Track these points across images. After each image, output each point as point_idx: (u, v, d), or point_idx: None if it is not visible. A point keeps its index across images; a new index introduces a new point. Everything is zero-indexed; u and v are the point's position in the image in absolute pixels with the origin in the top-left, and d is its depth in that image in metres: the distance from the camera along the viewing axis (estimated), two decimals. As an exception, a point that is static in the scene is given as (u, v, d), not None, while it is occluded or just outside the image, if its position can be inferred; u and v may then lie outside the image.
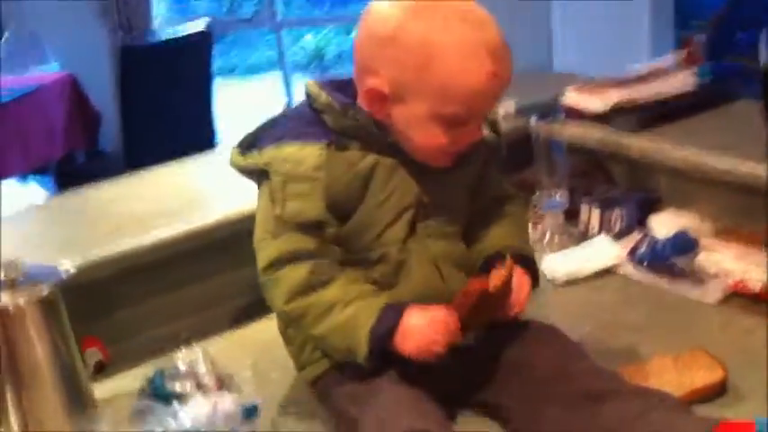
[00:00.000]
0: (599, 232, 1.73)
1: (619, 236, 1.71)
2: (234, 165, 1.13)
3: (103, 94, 3.71)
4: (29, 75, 3.71)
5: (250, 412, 1.08)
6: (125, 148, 3.58)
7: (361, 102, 1.07)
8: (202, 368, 1.22)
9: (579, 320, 1.46)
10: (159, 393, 1.23)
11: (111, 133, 3.72)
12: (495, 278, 1.07)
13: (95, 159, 3.84)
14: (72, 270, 1.30)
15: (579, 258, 1.65)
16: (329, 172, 1.07)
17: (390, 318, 1.05)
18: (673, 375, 1.19)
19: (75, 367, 1.27)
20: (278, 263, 1.08)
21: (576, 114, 1.85)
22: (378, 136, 1.08)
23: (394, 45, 1.01)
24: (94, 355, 1.48)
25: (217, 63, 3.94)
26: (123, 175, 1.94)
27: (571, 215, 1.79)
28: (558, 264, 1.64)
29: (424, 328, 1.04)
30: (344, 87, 1.10)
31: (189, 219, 1.59)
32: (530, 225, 1.79)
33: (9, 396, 1.21)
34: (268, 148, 1.09)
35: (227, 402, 1.06)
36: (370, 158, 1.09)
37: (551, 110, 1.68)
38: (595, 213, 1.73)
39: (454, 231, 1.17)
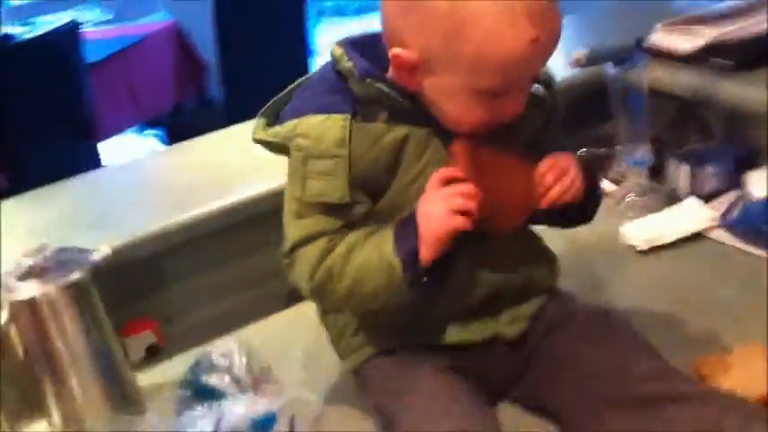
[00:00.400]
0: (688, 193, 1.54)
1: (711, 196, 1.52)
2: (256, 139, 1.02)
3: (205, 44, 3.60)
4: (134, 24, 3.67)
5: (264, 424, 0.99)
6: (227, 98, 3.49)
7: (391, 70, 0.95)
8: (237, 361, 1.15)
9: (660, 294, 1.32)
10: (197, 387, 1.16)
11: (216, 83, 3.62)
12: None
13: (204, 110, 3.77)
14: (108, 253, 1.24)
15: (664, 222, 1.48)
16: (354, 147, 0.95)
17: (406, 223, 0.95)
18: (763, 367, 1.03)
19: (112, 356, 1.21)
20: (299, 245, 0.99)
21: (662, 56, 1.66)
22: (406, 105, 0.96)
23: (419, 10, 0.89)
24: (147, 338, 1.43)
25: (326, 4, 3.80)
26: (230, 126, 1.87)
27: (656, 173, 1.61)
28: (640, 228, 1.48)
29: (437, 204, 0.93)
30: (375, 46, 0.97)
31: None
32: (609, 184, 1.64)
33: (47, 388, 1.17)
34: (289, 121, 0.98)
35: (252, 406, 0.97)
36: (400, 130, 0.97)
37: (632, 54, 1.49)
38: (684, 170, 1.54)
39: None
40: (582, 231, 1.49)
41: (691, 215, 1.47)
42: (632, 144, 1.57)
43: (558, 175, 0.97)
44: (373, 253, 0.95)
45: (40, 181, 1.67)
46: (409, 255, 0.94)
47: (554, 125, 1.08)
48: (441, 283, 0.98)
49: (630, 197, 1.59)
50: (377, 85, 0.94)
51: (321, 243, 0.97)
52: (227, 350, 1.18)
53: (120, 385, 1.22)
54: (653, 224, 1.48)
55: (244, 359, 1.13)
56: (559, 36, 0.90)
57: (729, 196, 1.49)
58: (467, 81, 0.90)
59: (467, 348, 1.03)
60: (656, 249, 1.43)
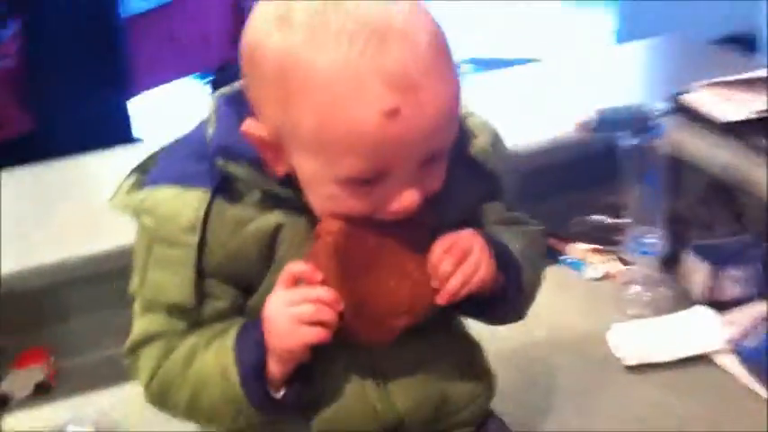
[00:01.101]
0: (704, 297, 1.26)
1: (729, 305, 1.24)
2: (111, 204, 0.79)
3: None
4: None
5: None
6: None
7: None
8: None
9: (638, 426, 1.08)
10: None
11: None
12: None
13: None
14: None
15: (662, 333, 1.21)
16: (212, 233, 0.73)
17: (249, 330, 0.74)
18: None
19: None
20: (138, 346, 0.79)
21: (697, 121, 1.38)
22: (278, 189, 0.72)
23: (253, 65, 0.67)
24: (36, 374, 1.25)
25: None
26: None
27: (669, 264, 1.34)
28: (632, 335, 1.21)
29: (281, 311, 0.71)
30: None
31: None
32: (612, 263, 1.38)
33: None
34: (145, 189, 0.75)
35: None
36: (272, 218, 0.74)
37: (648, 122, 1.21)
38: (702, 269, 1.26)
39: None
40: (563, 321, 1.27)
41: (698, 330, 1.20)
42: (643, 225, 1.29)
43: (457, 259, 0.72)
44: (212, 362, 0.75)
45: (66, 128, 1.48)
46: (252, 369, 0.73)
47: (498, 198, 0.84)
48: (307, 401, 0.77)
49: (633, 290, 1.31)
50: (231, 168, 0.72)
51: (160, 344, 0.77)
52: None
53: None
54: (649, 333, 1.22)
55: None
56: (451, 107, 0.66)
57: (753, 311, 1.22)
58: (320, 166, 0.67)
59: None
60: (646, 367, 1.17)
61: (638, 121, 1.22)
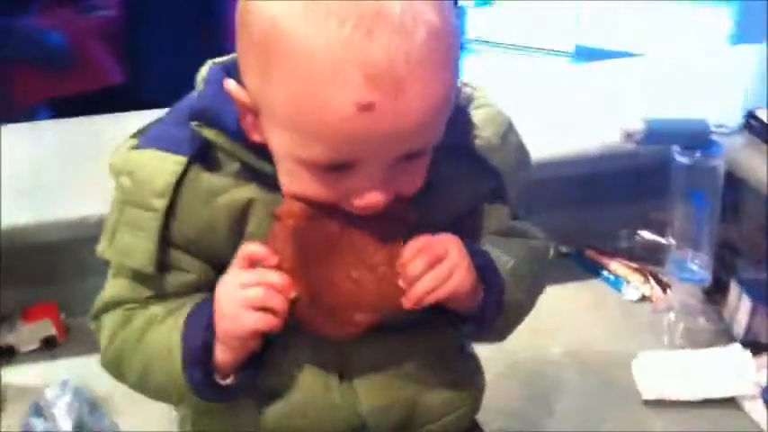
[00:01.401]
0: (745, 334, 1.16)
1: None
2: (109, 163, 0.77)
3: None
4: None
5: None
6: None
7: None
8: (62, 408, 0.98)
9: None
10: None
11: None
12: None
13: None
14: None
15: (689, 369, 1.11)
16: (184, 201, 0.70)
17: (200, 311, 0.70)
18: None
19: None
20: (102, 310, 0.76)
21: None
22: (253, 161, 0.69)
23: (242, 27, 0.63)
24: (44, 329, 1.27)
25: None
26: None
27: (716, 293, 1.23)
28: (655, 368, 1.12)
29: (232, 293, 0.67)
30: None
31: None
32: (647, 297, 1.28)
33: None
34: (134, 152, 0.73)
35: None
36: (244, 191, 0.70)
37: (704, 137, 1.10)
38: (745, 304, 1.15)
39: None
40: (586, 341, 1.19)
41: (728, 370, 1.10)
42: (688, 249, 1.19)
43: (429, 262, 0.67)
44: (163, 339, 0.71)
45: (159, 80, 1.57)
46: (195, 354, 0.69)
47: (503, 199, 0.76)
48: (259, 391, 0.73)
49: (669, 317, 1.22)
50: (205, 132, 0.68)
51: (121, 311, 0.75)
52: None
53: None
54: (675, 367, 1.12)
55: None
56: (436, 109, 0.60)
57: (792, 356, 1.10)
58: (288, 143, 0.62)
59: None
60: (665, 403, 1.08)
61: (691, 136, 1.11)
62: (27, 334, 1.25)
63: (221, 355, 0.69)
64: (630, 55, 2.90)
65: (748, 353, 1.12)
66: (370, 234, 0.67)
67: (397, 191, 0.64)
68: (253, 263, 0.67)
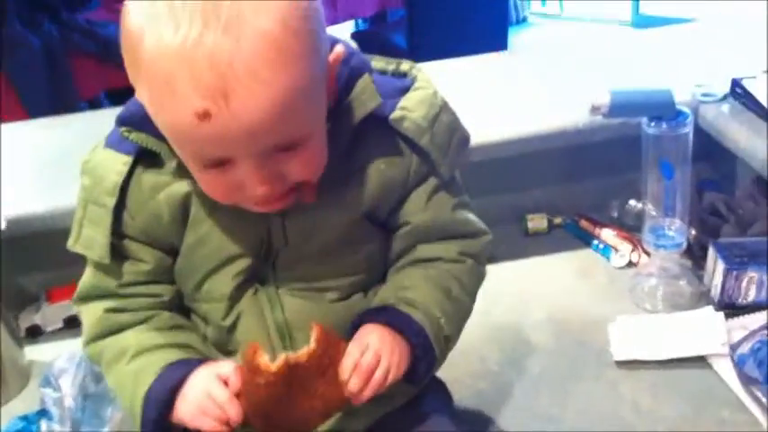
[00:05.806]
0: (721, 297, 1.18)
1: (746, 310, 1.15)
2: None
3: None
4: None
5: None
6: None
7: None
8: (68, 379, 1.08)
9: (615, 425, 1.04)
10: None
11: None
12: (300, 355, 0.72)
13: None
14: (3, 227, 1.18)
15: (660, 331, 1.15)
16: (132, 197, 0.78)
17: (176, 376, 0.77)
18: None
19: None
20: (82, 297, 0.85)
21: (751, 109, 1.27)
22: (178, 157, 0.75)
23: (122, 31, 0.65)
24: (66, 309, 1.35)
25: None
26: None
27: (696, 255, 1.26)
28: (629, 331, 1.16)
29: (199, 395, 0.75)
30: None
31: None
32: (632, 263, 1.31)
33: None
34: (94, 149, 0.81)
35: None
36: (182, 185, 0.77)
37: (670, 110, 1.12)
38: (720, 265, 1.18)
39: (326, 288, 0.81)
40: (570, 307, 1.23)
41: (699, 331, 1.13)
42: (662, 215, 1.21)
43: (365, 377, 0.75)
44: (130, 377, 0.79)
45: None
46: (152, 408, 0.77)
47: (433, 176, 0.81)
48: None
49: (649, 282, 1.25)
50: (132, 136, 0.75)
51: (100, 310, 0.83)
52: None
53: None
54: (648, 329, 1.16)
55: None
56: (279, 107, 0.61)
57: (763, 317, 1.12)
58: (173, 145, 0.69)
59: None
60: (638, 363, 1.12)
61: (656, 107, 1.13)
62: (51, 314, 1.35)
63: (181, 415, 0.76)
64: (688, 21, 2.91)
65: (720, 314, 1.14)
66: (310, 374, 0.74)
67: (293, 179, 0.69)
68: (221, 381, 0.74)
